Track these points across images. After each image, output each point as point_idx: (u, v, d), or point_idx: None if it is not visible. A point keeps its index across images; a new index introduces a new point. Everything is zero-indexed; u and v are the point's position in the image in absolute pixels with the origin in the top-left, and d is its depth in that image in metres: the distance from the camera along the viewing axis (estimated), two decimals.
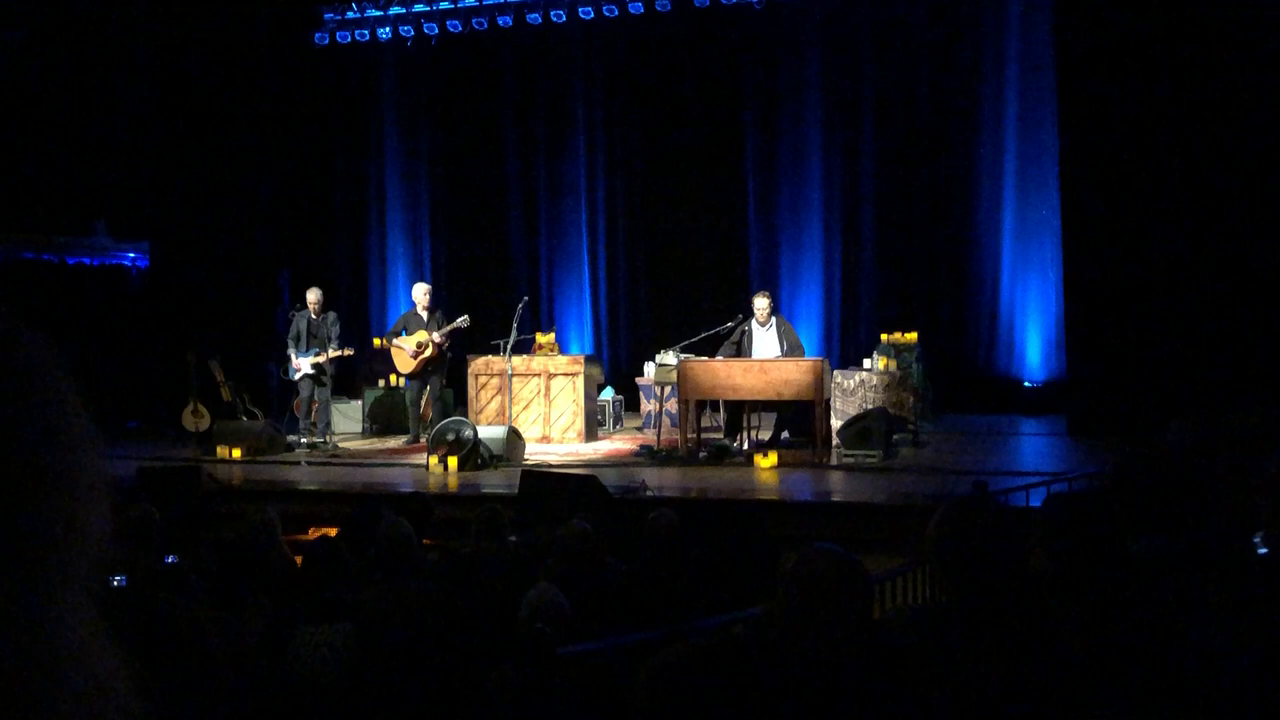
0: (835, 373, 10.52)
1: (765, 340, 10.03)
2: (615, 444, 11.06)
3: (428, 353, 10.93)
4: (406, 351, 10.99)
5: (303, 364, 10.93)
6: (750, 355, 9.94)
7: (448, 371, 11.47)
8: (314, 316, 11.03)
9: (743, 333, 10.09)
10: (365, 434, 12.20)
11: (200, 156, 13.81)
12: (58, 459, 0.57)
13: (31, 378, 0.58)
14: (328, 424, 11.13)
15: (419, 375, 11.10)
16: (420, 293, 11.23)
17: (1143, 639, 2.26)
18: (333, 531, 6.18)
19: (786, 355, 9.81)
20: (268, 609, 4.16)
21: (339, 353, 10.96)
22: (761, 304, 10.05)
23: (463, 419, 10.09)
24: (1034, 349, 13.01)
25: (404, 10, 14.50)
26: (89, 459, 0.60)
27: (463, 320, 10.87)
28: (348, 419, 12.35)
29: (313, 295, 11.08)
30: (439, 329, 10.95)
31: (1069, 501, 2.65)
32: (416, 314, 11.13)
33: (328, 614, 3.69)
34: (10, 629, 0.54)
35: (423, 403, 11.48)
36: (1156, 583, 2.48)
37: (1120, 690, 2.17)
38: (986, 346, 13.26)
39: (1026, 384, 13.01)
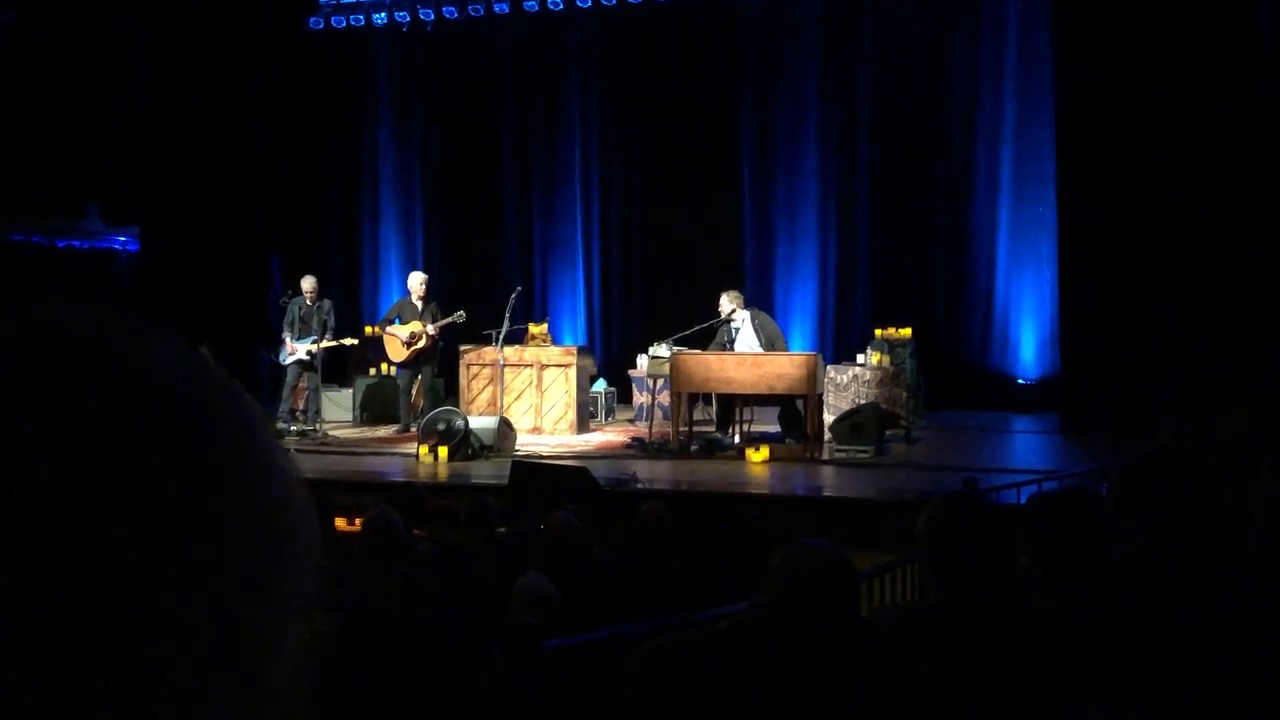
0: (828, 367, 10.53)
1: (744, 337, 10.01)
2: (607, 436, 11.05)
3: (421, 344, 10.93)
4: (399, 340, 10.99)
5: (298, 348, 10.93)
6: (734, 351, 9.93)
7: (440, 361, 11.46)
8: (308, 304, 11.02)
9: (730, 332, 10.08)
10: (356, 423, 12.18)
11: (193, 141, 13.75)
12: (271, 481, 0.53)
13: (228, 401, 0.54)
14: (317, 411, 11.12)
15: (410, 364, 11.10)
16: (416, 281, 11.22)
17: (1128, 639, 2.26)
18: (342, 522, 6.16)
19: (765, 349, 9.80)
20: None
21: (340, 341, 10.98)
22: (722, 303, 10.02)
23: (454, 409, 10.08)
24: (1028, 346, 13.02)
25: None
26: (292, 472, 0.55)
27: (458, 316, 10.85)
28: (338, 407, 12.32)
29: (307, 283, 11.07)
30: (433, 320, 10.94)
31: (1054, 500, 2.65)
32: (411, 303, 11.13)
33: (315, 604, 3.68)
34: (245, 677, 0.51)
35: (414, 392, 11.47)
36: (1144, 583, 2.48)
37: (1104, 690, 2.18)
38: (980, 343, 13.27)
39: (1020, 381, 13.02)
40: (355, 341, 11.39)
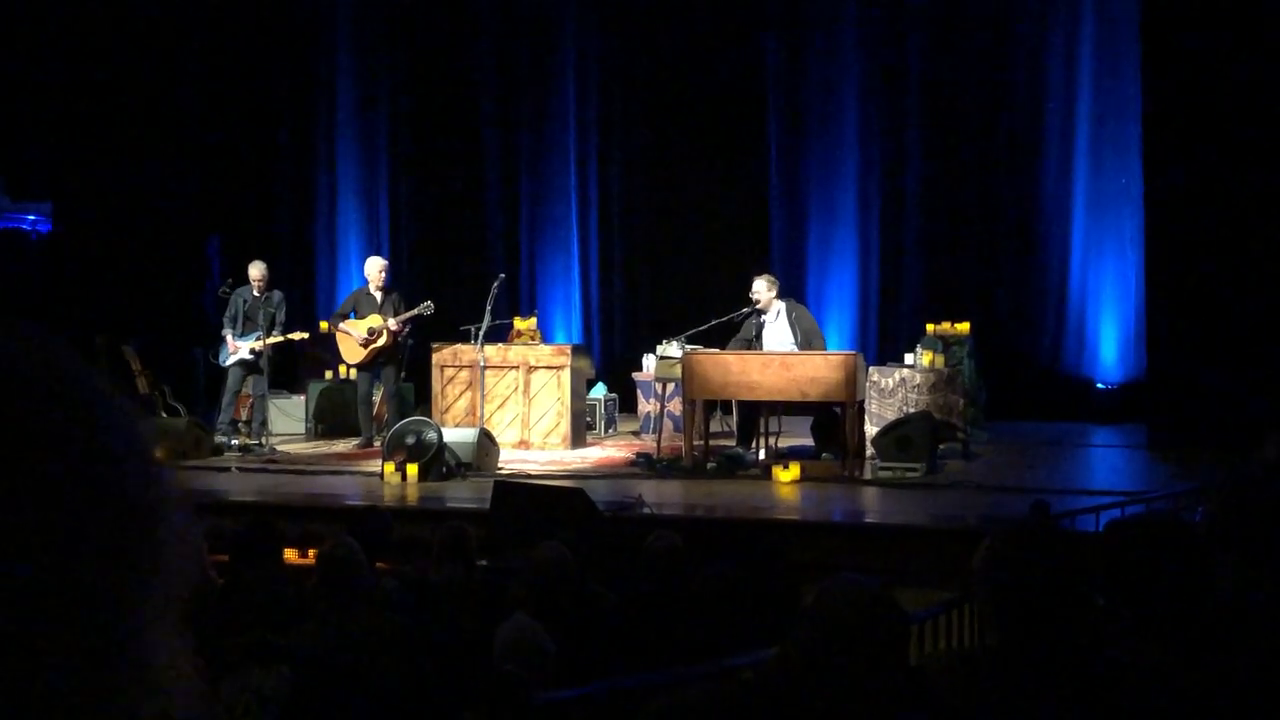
0: (871, 369, 10.53)
1: (775, 333, 10.00)
2: (607, 451, 11.08)
3: (380, 341, 10.94)
4: (355, 338, 10.99)
5: (240, 347, 10.94)
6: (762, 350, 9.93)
7: (408, 362, 11.47)
8: (255, 295, 11.04)
9: (756, 326, 10.08)
10: (309, 435, 12.21)
11: (115, 102, 13.76)
12: (138, 482, 0.69)
13: (82, 399, 0.69)
14: (264, 422, 11.14)
15: (369, 367, 11.11)
16: (374, 268, 11.25)
17: (1227, 696, 2.26)
18: (292, 554, 6.19)
19: (802, 348, 9.80)
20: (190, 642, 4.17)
21: (288, 336, 10.96)
22: (758, 288, 10.00)
23: (425, 419, 10.11)
24: (1109, 343, 13.01)
25: None
26: (166, 478, 0.72)
27: (425, 307, 10.88)
28: (288, 417, 12.35)
29: (255, 270, 11.10)
30: (395, 313, 10.95)
31: (1137, 528, 2.65)
32: (369, 294, 11.14)
33: (259, 655, 3.69)
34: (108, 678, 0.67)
35: (376, 399, 11.49)
36: (1249, 629, 2.48)
37: None
38: (1052, 340, 13.27)
39: (1099, 385, 13.02)
40: (305, 336, 11.35)
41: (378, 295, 11.11)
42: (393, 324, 10.93)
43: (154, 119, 13.91)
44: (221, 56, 14.67)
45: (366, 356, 11.03)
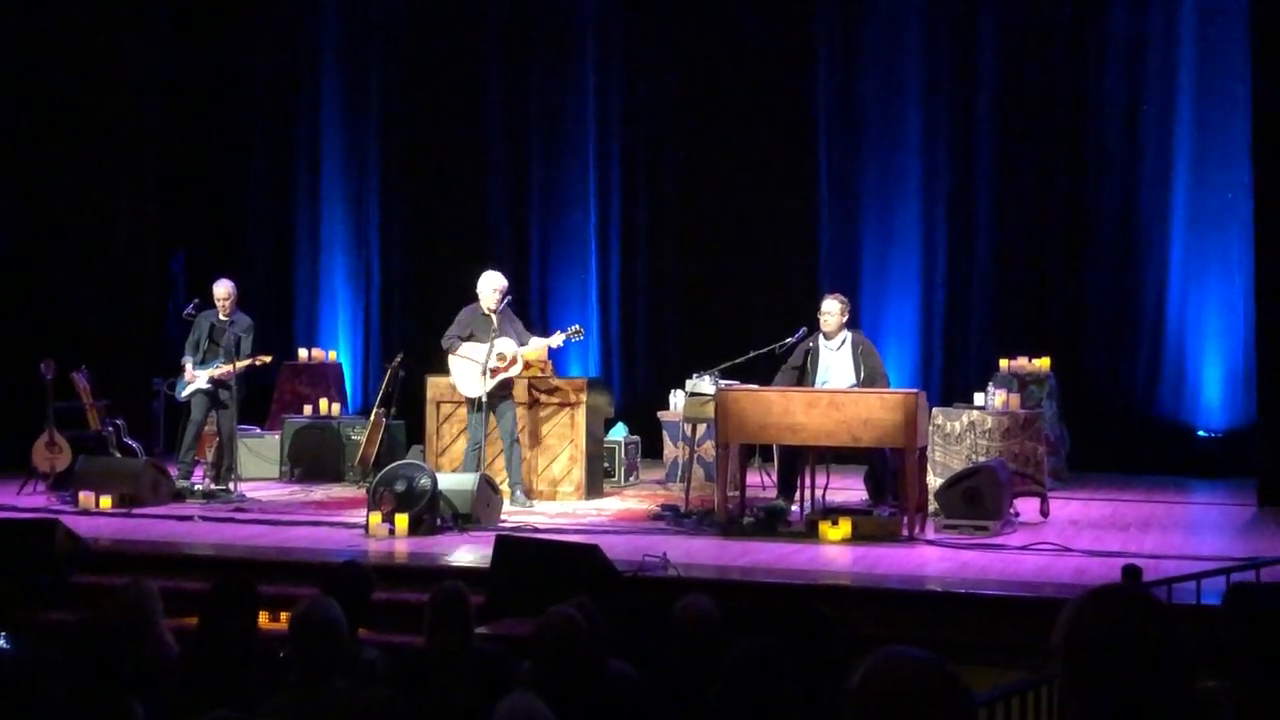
0: (935, 411, 10.50)
1: (835, 364, 9.98)
2: (627, 502, 11.08)
3: (515, 370, 10.56)
4: (479, 364, 10.47)
5: (198, 376, 10.93)
6: (815, 383, 9.92)
7: (400, 401, 11.44)
8: (222, 318, 11.05)
9: (807, 352, 10.06)
10: (283, 479, 12.24)
11: (63, 98, 13.84)
12: None
13: None
14: (231, 467, 11.16)
15: (485, 402, 10.55)
16: (489, 286, 10.64)
17: None
18: (263, 617, 6.20)
19: (864, 386, 9.78)
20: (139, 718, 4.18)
21: (249, 361, 10.90)
22: (830, 309, 9.99)
23: (417, 463, 10.11)
24: (1212, 384, 12.94)
25: None
26: None
27: (575, 333, 10.74)
28: (260, 459, 12.39)
29: (221, 289, 11.10)
30: (521, 340, 10.59)
31: (1261, 596, 2.62)
32: (482, 314, 10.64)
33: None
34: None
35: (373, 437, 11.53)
36: None
37: None
38: (1146, 379, 13.20)
39: (1201, 433, 12.95)
40: (266, 359, 11.26)
41: (492, 317, 10.57)
42: (540, 345, 10.72)
43: (112, 118, 13.96)
44: (192, 50, 14.73)
45: (490, 388, 10.53)
